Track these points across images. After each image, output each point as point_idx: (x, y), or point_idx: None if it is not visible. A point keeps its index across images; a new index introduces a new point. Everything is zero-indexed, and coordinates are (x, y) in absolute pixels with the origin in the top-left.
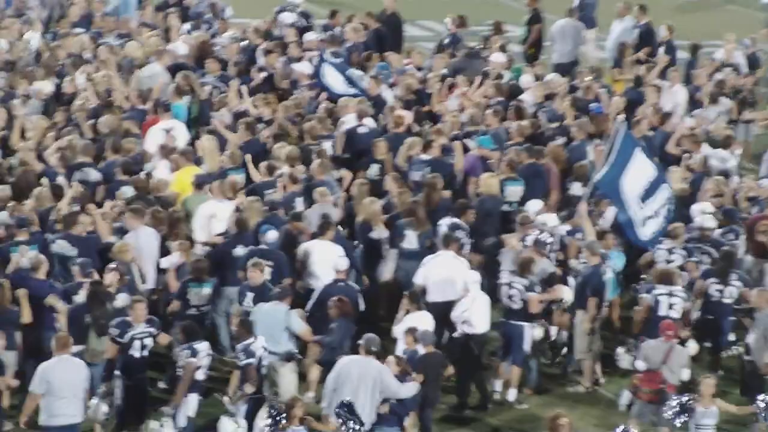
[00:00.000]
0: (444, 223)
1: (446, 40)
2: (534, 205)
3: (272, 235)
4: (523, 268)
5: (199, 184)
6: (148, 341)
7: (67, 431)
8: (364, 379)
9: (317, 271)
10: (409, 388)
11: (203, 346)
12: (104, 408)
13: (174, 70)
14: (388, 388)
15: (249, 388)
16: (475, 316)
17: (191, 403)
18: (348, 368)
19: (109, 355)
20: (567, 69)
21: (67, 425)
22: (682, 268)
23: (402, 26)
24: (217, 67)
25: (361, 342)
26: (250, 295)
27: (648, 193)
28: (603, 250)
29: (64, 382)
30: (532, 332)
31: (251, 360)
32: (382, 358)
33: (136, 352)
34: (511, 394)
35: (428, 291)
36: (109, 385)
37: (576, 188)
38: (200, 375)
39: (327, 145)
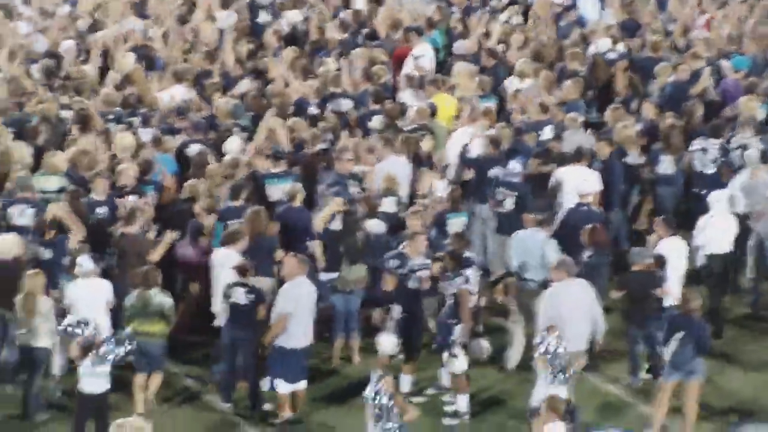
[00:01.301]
0: (700, 145)
1: None
2: None
3: (514, 167)
4: None
5: (434, 112)
6: (424, 273)
7: (305, 353)
8: (580, 303)
9: (569, 197)
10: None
11: (473, 273)
12: (394, 339)
13: None
14: (598, 314)
15: (465, 314)
16: (714, 234)
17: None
18: (566, 292)
19: (388, 287)
20: None
21: (307, 347)
22: None
23: None
24: None
25: (560, 266)
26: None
27: None
28: None
29: (303, 304)
30: None
31: (466, 286)
32: None
33: (412, 284)
34: None
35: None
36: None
37: None
38: (470, 302)
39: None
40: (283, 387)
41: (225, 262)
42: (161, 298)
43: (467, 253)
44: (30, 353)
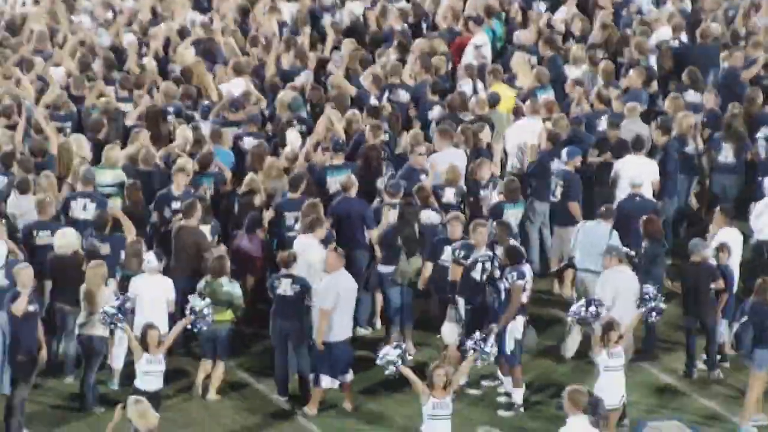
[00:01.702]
0: (764, 133)
1: None
2: None
3: (563, 156)
4: None
5: (495, 103)
6: (489, 265)
7: (347, 344)
8: (627, 291)
9: (624, 187)
10: None
11: (528, 268)
12: (456, 329)
13: None
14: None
15: (511, 309)
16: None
17: (518, 326)
18: (616, 277)
19: (454, 277)
20: None
21: (348, 338)
22: None
23: None
24: None
25: (611, 253)
26: (447, 249)
27: None
28: None
29: (344, 297)
30: None
31: (520, 282)
32: None
33: (477, 275)
34: None
35: None
36: (457, 312)
37: None
38: (524, 298)
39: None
40: (327, 382)
41: (305, 249)
42: (231, 287)
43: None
44: (89, 342)
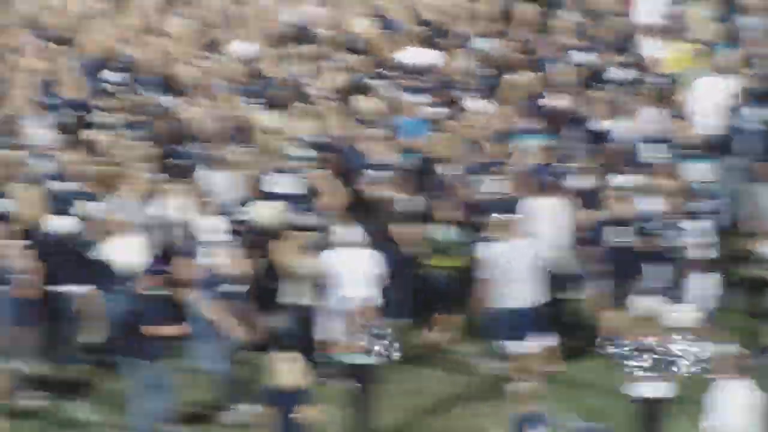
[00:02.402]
0: None
1: None
2: None
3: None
4: None
5: (680, 61)
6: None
7: (518, 315)
8: None
9: None
10: None
11: (688, 224)
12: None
13: None
14: None
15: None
16: None
17: (696, 282)
18: None
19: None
20: None
21: (516, 308)
22: None
23: None
24: None
25: None
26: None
27: None
28: None
29: (509, 266)
30: None
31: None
32: None
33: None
34: None
35: None
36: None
37: None
38: (694, 253)
39: None
40: (512, 347)
41: (534, 211)
42: (448, 234)
43: (696, 205)
44: (296, 312)
